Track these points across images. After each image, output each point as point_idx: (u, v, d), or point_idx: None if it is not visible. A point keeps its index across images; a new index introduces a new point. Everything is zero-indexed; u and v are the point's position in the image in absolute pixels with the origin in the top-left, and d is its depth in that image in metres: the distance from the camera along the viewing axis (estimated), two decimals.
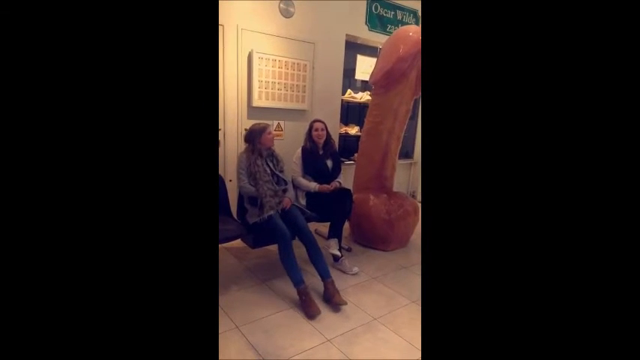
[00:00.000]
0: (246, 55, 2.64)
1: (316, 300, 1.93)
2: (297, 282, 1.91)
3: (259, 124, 2.21)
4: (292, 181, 2.48)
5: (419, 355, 1.60)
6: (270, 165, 2.20)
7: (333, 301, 1.92)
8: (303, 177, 2.48)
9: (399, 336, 1.72)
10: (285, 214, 2.15)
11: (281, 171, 2.25)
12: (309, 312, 1.82)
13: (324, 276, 2.01)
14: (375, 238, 2.76)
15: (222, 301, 1.91)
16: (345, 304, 1.91)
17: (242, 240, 2.28)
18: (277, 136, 2.89)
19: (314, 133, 2.46)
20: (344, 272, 2.33)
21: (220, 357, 1.49)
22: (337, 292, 1.96)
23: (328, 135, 2.52)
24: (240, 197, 2.29)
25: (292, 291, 2.01)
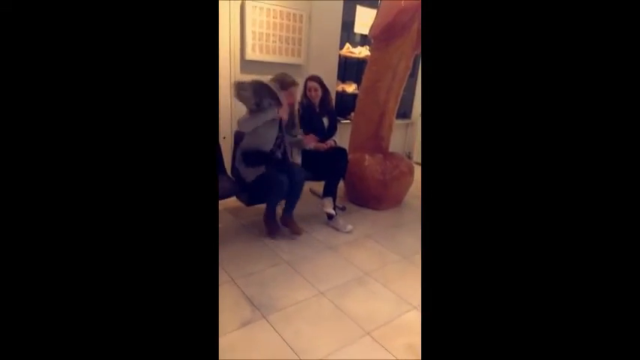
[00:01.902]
0: (239, 3, 2.47)
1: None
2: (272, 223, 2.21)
3: (285, 75, 2.07)
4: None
5: (408, 307, 1.68)
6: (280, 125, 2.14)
7: (290, 228, 2.23)
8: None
9: (388, 289, 1.80)
10: (287, 168, 2.15)
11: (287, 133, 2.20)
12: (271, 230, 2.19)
13: (289, 213, 2.25)
14: (369, 198, 2.79)
15: (219, 255, 1.96)
16: (300, 233, 2.23)
17: (237, 198, 2.29)
18: None
19: (308, 94, 2.38)
20: (337, 230, 2.38)
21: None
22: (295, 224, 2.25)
23: (326, 92, 2.43)
24: (234, 156, 2.26)
25: (286, 249, 2.08)
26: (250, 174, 2.10)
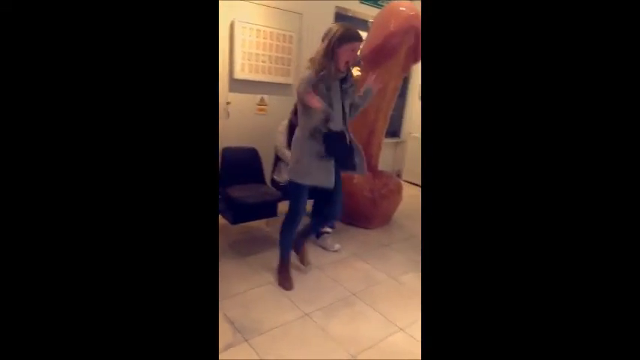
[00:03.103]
0: (228, 23, 2.51)
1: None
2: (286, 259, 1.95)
3: (342, 25, 1.54)
4: (276, 152, 2.45)
5: (394, 329, 1.65)
6: (342, 94, 1.63)
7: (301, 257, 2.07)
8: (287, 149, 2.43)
9: (375, 310, 1.76)
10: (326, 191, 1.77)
11: (351, 105, 1.72)
12: (286, 285, 1.88)
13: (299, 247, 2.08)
14: (358, 216, 2.77)
15: None
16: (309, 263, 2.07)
17: (222, 215, 2.26)
18: (260, 110, 2.82)
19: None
20: (325, 249, 2.35)
21: None
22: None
23: None
24: (221, 174, 2.23)
25: (271, 267, 2.03)
26: (322, 172, 1.67)
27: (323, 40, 1.56)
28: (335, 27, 1.56)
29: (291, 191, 1.82)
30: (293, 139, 1.76)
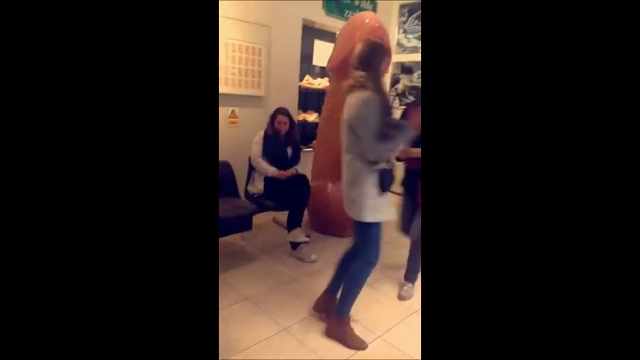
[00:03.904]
0: None
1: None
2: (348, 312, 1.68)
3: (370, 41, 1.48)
4: (250, 162, 2.44)
5: (373, 336, 1.67)
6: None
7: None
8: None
9: (353, 319, 1.77)
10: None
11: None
12: (354, 345, 1.62)
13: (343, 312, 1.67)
14: (332, 225, 2.80)
15: None
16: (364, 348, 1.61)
17: None
18: (232, 123, 2.80)
19: (277, 126, 2.41)
20: (302, 260, 2.35)
21: None
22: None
23: (292, 123, 2.48)
24: None
25: (248, 283, 2.01)
26: (387, 206, 1.54)
27: (361, 60, 1.43)
28: (364, 44, 1.45)
29: (363, 232, 1.58)
30: (351, 172, 1.53)
